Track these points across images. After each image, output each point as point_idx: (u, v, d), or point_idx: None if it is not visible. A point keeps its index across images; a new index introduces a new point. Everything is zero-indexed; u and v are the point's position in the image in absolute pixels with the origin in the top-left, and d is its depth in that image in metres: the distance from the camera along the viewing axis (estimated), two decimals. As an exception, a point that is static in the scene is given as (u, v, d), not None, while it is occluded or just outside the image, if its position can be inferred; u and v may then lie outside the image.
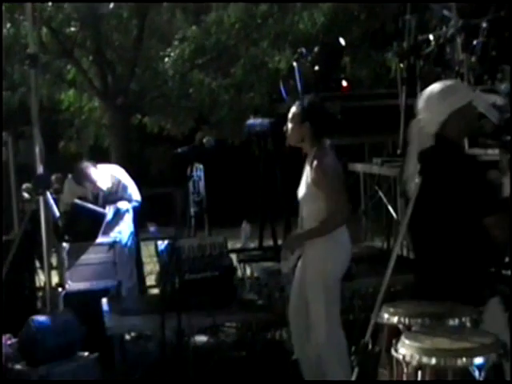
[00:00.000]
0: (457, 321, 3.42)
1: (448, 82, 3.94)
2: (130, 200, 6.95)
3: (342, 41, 8.34)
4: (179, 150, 5.80)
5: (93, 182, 6.85)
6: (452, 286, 3.68)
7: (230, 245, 7.87)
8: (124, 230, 6.84)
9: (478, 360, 3.05)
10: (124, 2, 12.21)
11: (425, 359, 3.06)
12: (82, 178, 6.89)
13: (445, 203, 3.66)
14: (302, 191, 4.98)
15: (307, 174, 4.91)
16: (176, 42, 12.51)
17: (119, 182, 7.00)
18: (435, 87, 3.83)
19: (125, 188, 6.98)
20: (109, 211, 6.72)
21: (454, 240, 3.68)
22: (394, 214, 7.63)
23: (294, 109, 4.97)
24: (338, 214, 4.81)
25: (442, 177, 3.66)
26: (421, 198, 3.68)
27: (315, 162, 4.82)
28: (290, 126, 4.97)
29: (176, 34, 12.59)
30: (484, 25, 6.78)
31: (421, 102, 3.86)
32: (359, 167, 8.04)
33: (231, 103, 11.80)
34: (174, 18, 12.95)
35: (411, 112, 7.13)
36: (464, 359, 3.03)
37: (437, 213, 3.71)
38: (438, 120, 3.75)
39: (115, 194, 6.92)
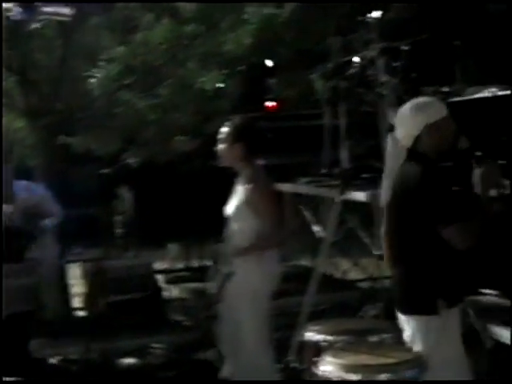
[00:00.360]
0: (379, 337, 3.49)
1: (423, 98, 4.04)
2: (52, 218, 6.83)
3: (268, 62, 8.44)
4: (106, 170, 5.79)
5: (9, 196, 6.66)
6: (408, 292, 3.75)
7: (158, 265, 7.87)
8: (48, 251, 6.75)
9: (399, 375, 3.12)
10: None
11: (347, 375, 3.11)
12: None
13: (407, 215, 3.74)
14: (231, 209, 4.99)
15: (239, 194, 4.93)
16: (103, 62, 12.44)
17: (40, 199, 6.85)
18: (410, 103, 3.93)
19: (46, 206, 6.84)
20: (32, 230, 6.61)
21: (415, 250, 3.75)
22: (319, 233, 7.72)
23: (226, 129, 4.97)
24: (275, 233, 4.86)
25: (407, 189, 3.74)
26: (391, 210, 3.83)
27: (249, 183, 4.83)
28: (222, 146, 4.96)
29: (103, 53, 12.52)
30: (405, 47, 6.92)
31: (396, 117, 3.96)
32: (285, 187, 8.10)
33: (158, 123, 11.76)
34: (101, 37, 12.87)
35: (336, 132, 7.30)
36: (385, 375, 3.10)
37: (402, 223, 3.78)
38: (412, 134, 3.83)
39: (36, 211, 6.77)
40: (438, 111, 3.86)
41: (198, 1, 12.14)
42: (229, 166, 5.00)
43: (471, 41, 7.08)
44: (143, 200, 9.28)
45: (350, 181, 5.02)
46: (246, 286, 4.88)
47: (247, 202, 4.82)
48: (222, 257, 5.14)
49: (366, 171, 6.48)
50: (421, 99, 3.99)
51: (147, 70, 12.32)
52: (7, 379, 4.83)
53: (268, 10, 10.86)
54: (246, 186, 4.84)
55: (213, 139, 5.13)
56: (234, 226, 4.97)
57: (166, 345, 6.45)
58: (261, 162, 5.07)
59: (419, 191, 3.67)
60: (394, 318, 3.64)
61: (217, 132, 5.09)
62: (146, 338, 5.74)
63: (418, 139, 3.82)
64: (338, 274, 7.57)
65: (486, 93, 5.20)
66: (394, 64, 6.85)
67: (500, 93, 5.13)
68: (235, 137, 4.91)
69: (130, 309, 5.88)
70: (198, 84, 11.55)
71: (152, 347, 6.56)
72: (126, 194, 8.44)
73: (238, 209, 4.89)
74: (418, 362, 3.19)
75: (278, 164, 8.56)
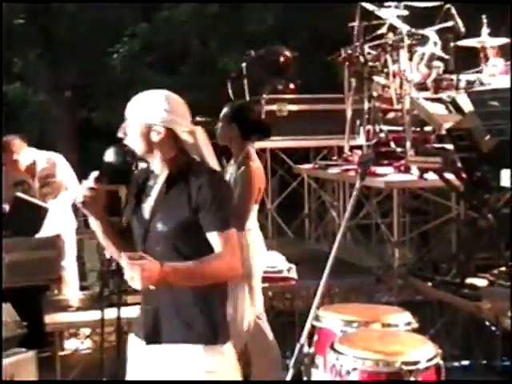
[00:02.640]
0: (390, 325, 3.49)
1: None
2: (69, 192, 6.72)
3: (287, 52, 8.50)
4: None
5: (24, 159, 6.63)
6: None
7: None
8: (65, 225, 6.76)
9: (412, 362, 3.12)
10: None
11: (358, 362, 3.12)
12: (9, 153, 6.63)
13: None
14: None
15: (230, 171, 5.08)
16: (125, 38, 12.46)
17: (58, 168, 6.77)
18: None
19: (65, 176, 6.76)
20: (51, 204, 6.60)
21: None
22: (336, 218, 7.73)
23: (225, 109, 5.16)
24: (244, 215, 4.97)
25: None
26: None
27: (242, 166, 4.99)
28: (219, 125, 5.15)
29: (125, 30, 12.55)
30: (432, 34, 6.86)
31: None
32: (303, 170, 8.11)
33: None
34: (124, 14, 12.88)
35: (357, 117, 7.27)
36: (397, 362, 3.10)
37: None
38: None
39: (53, 181, 6.68)
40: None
41: (201, 1, 12.15)
42: (224, 144, 5.16)
43: None
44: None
45: (370, 166, 5.00)
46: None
47: (235, 180, 4.96)
48: None
49: (387, 157, 6.48)
50: None
51: (169, 48, 12.32)
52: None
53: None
54: (239, 167, 5.00)
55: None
56: None
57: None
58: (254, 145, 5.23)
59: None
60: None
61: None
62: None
63: None
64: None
65: None
66: (419, 51, 6.81)
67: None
68: (230, 117, 5.09)
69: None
70: (220, 64, 11.54)
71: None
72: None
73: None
74: (430, 349, 3.19)
75: (297, 147, 8.59)
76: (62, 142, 12.89)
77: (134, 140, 3.21)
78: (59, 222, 6.72)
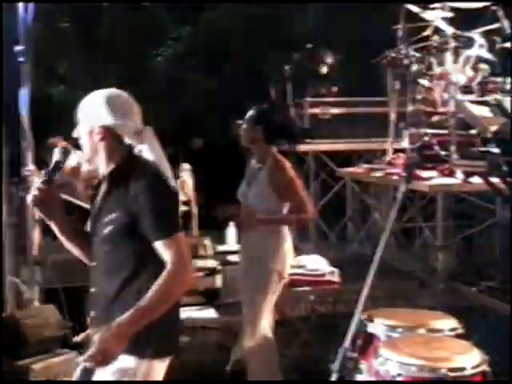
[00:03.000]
0: (435, 330, 3.44)
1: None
2: None
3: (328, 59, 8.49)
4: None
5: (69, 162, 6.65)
6: None
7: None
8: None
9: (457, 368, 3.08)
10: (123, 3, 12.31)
11: (403, 368, 3.08)
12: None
13: None
14: (253, 191, 5.04)
15: (260, 176, 5.01)
16: (169, 42, 12.54)
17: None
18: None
19: None
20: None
21: None
22: (379, 221, 7.69)
23: (250, 112, 5.13)
24: (310, 209, 4.93)
25: None
26: None
27: (278, 170, 4.95)
28: (244, 127, 5.13)
29: (170, 32, 12.62)
30: (477, 36, 6.78)
31: None
32: (347, 173, 8.07)
33: (220, 105, 11.78)
34: (167, 16, 12.95)
35: (401, 119, 7.22)
36: (443, 369, 3.06)
37: None
38: None
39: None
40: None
41: (210, 1, 12.15)
42: (247, 146, 5.14)
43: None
44: (204, 181, 9.32)
45: (415, 170, 4.96)
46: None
47: (272, 184, 4.92)
48: None
49: (431, 161, 6.42)
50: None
51: (211, 51, 12.35)
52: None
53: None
54: (270, 168, 4.95)
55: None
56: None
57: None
58: (281, 147, 5.25)
59: None
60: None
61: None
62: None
63: None
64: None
65: None
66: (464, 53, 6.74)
67: None
68: (255, 120, 5.06)
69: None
70: (263, 67, 11.53)
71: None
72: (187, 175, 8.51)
73: (260, 190, 4.98)
74: (476, 356, 3.15)
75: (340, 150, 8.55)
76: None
77: (82, 141, 3.18)
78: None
